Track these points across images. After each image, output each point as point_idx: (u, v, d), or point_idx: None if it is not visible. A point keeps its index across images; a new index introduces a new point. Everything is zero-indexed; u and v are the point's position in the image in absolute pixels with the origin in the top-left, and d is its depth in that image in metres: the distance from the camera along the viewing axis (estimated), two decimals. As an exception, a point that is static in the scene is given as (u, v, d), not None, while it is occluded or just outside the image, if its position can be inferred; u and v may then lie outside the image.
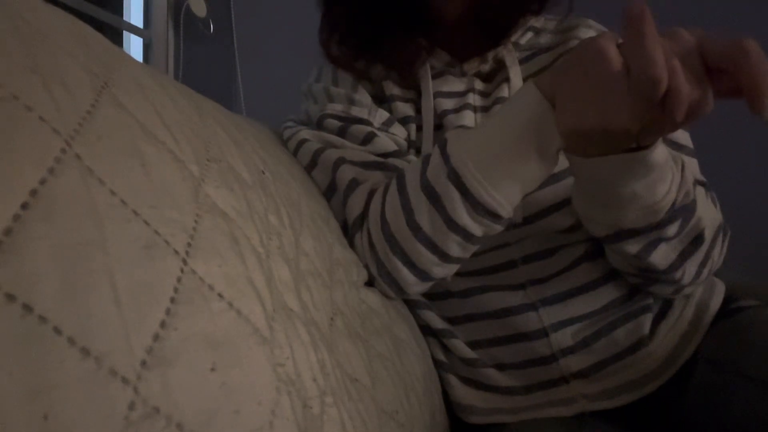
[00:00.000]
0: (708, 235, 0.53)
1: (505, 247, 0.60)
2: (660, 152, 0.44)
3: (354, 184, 0.58)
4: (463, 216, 0.49)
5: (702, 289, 0.62)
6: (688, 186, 0.49)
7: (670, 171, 0.46)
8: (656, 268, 0.52)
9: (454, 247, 0.51)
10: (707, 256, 0.54)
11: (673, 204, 0.48)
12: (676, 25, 0.39)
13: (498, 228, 0.51)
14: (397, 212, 0.52)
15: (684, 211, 0.49)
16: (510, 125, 0.46)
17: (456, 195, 0.48)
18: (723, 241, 0.56)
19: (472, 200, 0.48)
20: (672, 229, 0.49)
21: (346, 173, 0.58)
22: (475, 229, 0.50)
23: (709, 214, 0.53)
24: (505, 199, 0.48)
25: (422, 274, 0.53)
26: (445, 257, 0.52)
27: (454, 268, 0.55)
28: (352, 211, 0.57)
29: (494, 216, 0.49)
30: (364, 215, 0.56)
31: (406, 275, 0.53)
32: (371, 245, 0.54)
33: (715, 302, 0.60)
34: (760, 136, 1.46)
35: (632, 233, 0.49)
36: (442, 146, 0.51)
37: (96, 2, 1.49)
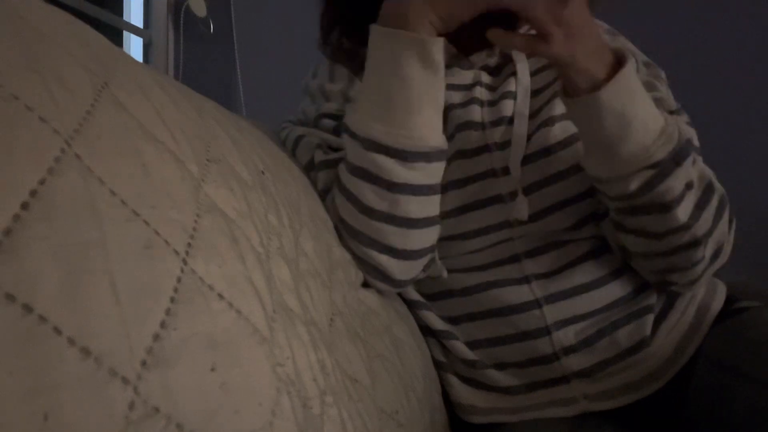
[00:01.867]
0: (716, 190, 0.53)
1: (508, 242, 0.60)
2: (624, 83, 0.48)
3: (326, 191, 0.58)
4: (400, 172, 0.50)
5: (703, 290, 0.62)
6: (680, 124, 0.52)
7: (650, 98, 0.50)
8: (680, 220, 0.51)
9: (412, 206, 0.52)
10: (716, 221, 0.54)
11: (679, 132, 0.50)
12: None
13: (437, 164, 0.52)
14: (346, 207, 0.53)
15: (690, 146, 0.51)
16: (378, 69, 0.51)
17: (380, 159, 0.50)
18: (729, 226, 0.56)
19: (395, 154, 0.49)
20: (688, 165, 0.50)
21: (326, 177, 0.58)
22: (417, 177, 0.50)
23: (704, 169, 0.54)
24: (426, 132, 0.50)
25: (400, 253, 0.53)
26: (410, 223, 0.52)
27: (429, 233, 0.55)
28: (331, 217, 0.57)
29: (425, 155, 0.50)
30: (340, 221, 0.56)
31: (386, 262, 0.53)
32: (350, 249, 0.54)
33: (717, 303, 0.60)
34: (760, 136, 1.46)
35: (662, 168, 0.49)
36: (346, 127, 0.53)
37: (96, 2, 1.49)
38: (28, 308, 0.18)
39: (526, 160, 0.58)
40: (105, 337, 0.20)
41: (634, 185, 0.50)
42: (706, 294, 0.61)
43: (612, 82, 0.47)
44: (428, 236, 0.55)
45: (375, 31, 0.51)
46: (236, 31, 1.89)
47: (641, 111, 0.49)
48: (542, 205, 0.58)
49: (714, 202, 0.53)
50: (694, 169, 0.52)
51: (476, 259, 0.61)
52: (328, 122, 0.62)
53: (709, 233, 0.53)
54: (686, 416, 0.56)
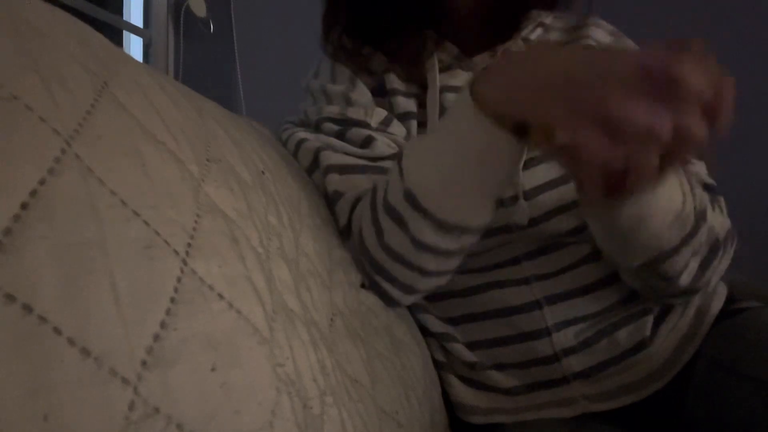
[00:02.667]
0: (721, 240, 0.53)
1: (508, 245, 0.60)
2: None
3: (338, 194, 0.57)
4: (429, 235, 0.46)
5: (703, 292, 0.61)
6: (700, 194, 0.50)
7: (677, 179, 0.46)
8: (681, 288, 0.52)
9: (430, 263, 0.49)
10: (722, 264, 0.54)
11: (695, 208, 0.47)
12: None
13: (473, 237, 0.48)
14: (370, 231, 0.51)
15: (703, 219, 0.49)
16: (462, 150, 0.43)
17: (415, 216, 0.46)
18: (731, 247, 0.57)
19: (432, 219, 0.45)
20: (701, 237, 0.49)
21: (333, 180, 0.57)
22: (447, 244, 0.47)
23: (717, 220, 0.53)
24: (473, 214, 0.46)
25: (407, 289, 0.53)
26: (424, 273, 0.50)
27: (440, 279, 0.53)
28: (339, 220, 0.56)
29: (462, 229, 0.46)
30: (349, 226, 0.55)
31: (390, 291, 0.53)
32: (357, 259, 0.54)
33: (717, 304, 0.60)
34: (760, 136, 1.46)
35: (671, 252, 0.48)
36: (399, 161, 0.48)
37: (96, 2, 1.49)
38: (28, 308, 0.18)
39: (527, 164, 0.58)
40: (105, 338, 0.20)
41: (637, 262, 0.51)
42: (706, 295, 0.61)
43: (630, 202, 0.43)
44: (438, 282, 0.54)
45: (469, 101, 0.41)
46: (236, 31, 1.89)
47: (659, 204, 0.45)
48: (542, 210, 0.58)
49: (720, 255, 0.53)
50: (704, 232, 0.50)
51: (476, 261, 0.61)
52: (330, 126, 0.62)
53: (706, 279, 0.54)
54: (686, 416, 0.56)
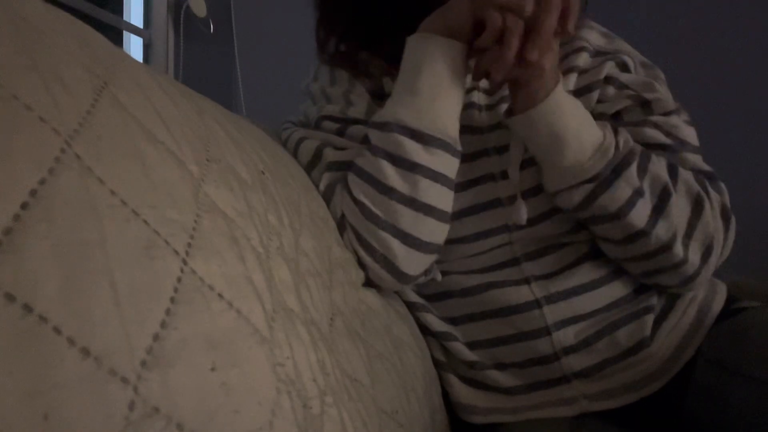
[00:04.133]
0: (678, 192, 0.55)
1: (507, 246, 0.60)
2: (555, 103, 0.53)
3: (331, 189, 0.58)
4: (422, 154, 0.53)
5: (704, 291, 0.62)
6: (626, 136, 0.55)
7: (588, 116, 0.55)
8: (636, 226, 0.54)
9: (431, 192, 0.53)
10: (692, 222, 0.55)
11: (617, 145, 0.54)
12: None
13: (454, 159, 0.55)
14: (365, 189, 0.54)
15: (633, 155, 0.54)
16: (411, 66, 0.54)
17: (404, 140, 0.53)
18: (726, 225, 0.56)
19: (419, 137, 0.53)
20: (631, 174, 0.53)
21: (331, 176, 0.58)
22: (436, 163, 0.53)
23: (681, 179, 0.55)
24: (444, 120, 0.53)
25: (411, 240, 0.54)
26: (427, 209, 0.53)
27: (440, 228, 0.55)
28: (335, 214, 0.57)
29: (444, 144, 0.53)
30: (343, 215, 0.56)
31: (396, 248, 0.54)
32: (358, 236, 0.54)
33: (717, 303, 0.60)
34: (760, 136, 1.46)
35: (600, 181, 0.53)
36: (373, 123, 0.56)
37: (96, 2, 1.49)
38: (28, 308, 0.18)
39: (525, 164, 0.58)
40: (105, 337, 0.20)
41: (576, 198, 0.54)
42: (706, 294, 0.61)
43: (543, 103, 0.52)
44: (440, 229, 0.56)
45: (412, 38, 0.56)
46: (236, 31, 1.89)
47: (574, 128, 0.53)
48: (541, 209, 0.58)
49: (676, 205, 0.54)
50: (646, 176, 0.54)
51: (475, 262, 0.61)
52: (331, 124, 0.62)
53: (686, 235, 0.55)
54: (686, 416, 0.56)
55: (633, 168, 0.54)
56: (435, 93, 0.53)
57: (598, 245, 0.60)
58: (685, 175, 0.56)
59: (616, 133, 0.56)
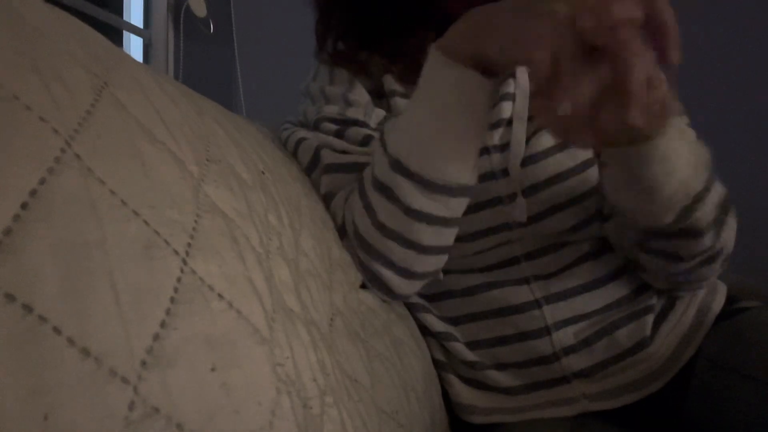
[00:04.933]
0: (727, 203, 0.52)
1: (507, 245, 0.60)
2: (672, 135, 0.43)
3: (333, 193, 0.57)
4: (419, 200, 0.48)
5: (704, 291, 0.62)
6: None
7: (684, 123, 0.48)
8: (706, 245, 0.50)
9: (424, 235, 0.50)
10: (731, 232, 0.53)
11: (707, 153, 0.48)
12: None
13: (460, 200, 0.49)
14: (362, 216, 0.52)
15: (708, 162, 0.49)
16: (427, 96, 0.47)
17: (403, 182, 0.47)
18: (731, 223, 0.56)
19: (419, 181, 0.47)
20: (715, 186, 0.48)
21: (330, 180, 0.58)
22: (437, 209, 0.48)
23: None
24: (456, 168, 0.47)
25: (404, 272, 0.52)
26: (420, 249, 0.51)
27: (437, 260, 0.54)
28: (335, 219, 0.56)
29: (449, 189, 0.47)
30: (343, 222, 0.56)
31: (389, 277, 0.53)
32: (354, 253, 0.54)
33: (717, 304, 0.60)
34: (760, 136, 1.46)
35: (697, 198, 0.47)
36: (381, 137, 0.50)
37: (96, 2, 1.49)
38: (28, 308, 0.18)
39: (525, 162, 0.58)
40: (105, 337, 0.20)
41: (669, 218, 0.47)
42: (706, 294, 0.61)
43: (666, 128, 0.41)
44: (436, 262, 0.54)
45: (433, 56, 0.46)
46: (236, 31, 1.89)
47: (682, 148, 0.44)
48: (541, 207, 0.58)
49: (732, 215, 0.52)
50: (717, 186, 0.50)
51: (476, 261, 0.61)
52: (329, 126, 0.62)
53: (725, 248, 0.54)
54: (686, 416, 0.56)
55: (715, 180, 0.48)
56: (444, 142, 0.46)
57: (600, 245, 0.60)
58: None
59: None
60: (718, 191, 0.50)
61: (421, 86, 0.48)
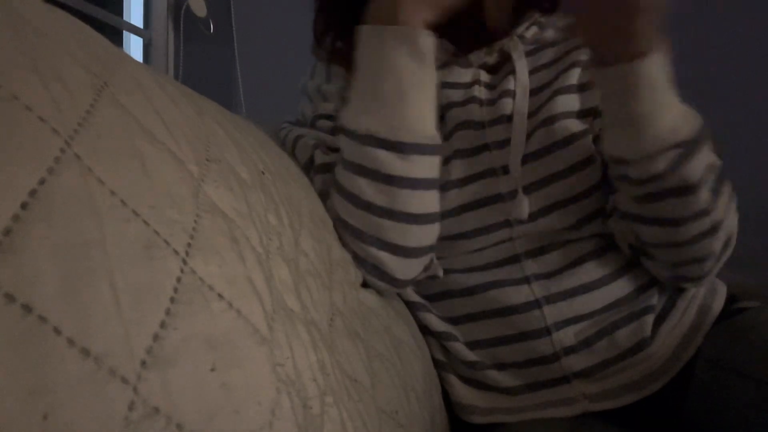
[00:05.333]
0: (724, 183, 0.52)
1: (508, 242, 0.60)
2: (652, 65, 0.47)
3: (324, 194, 0.57)
4: (396, 164, 0.50)
5: (704, 291, 0.62)
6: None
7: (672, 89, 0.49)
8: (704, 202, 0.50)
9: (410, 201, 0.51)
10: (728, 209, 0.53)
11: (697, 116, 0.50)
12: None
13: (432, 158, 0.52)
14: (344, 205, 0.53)
15: (704, 133, 0.50)
16: (367, 64, 0.51)
17: (376, 152, 0.50)
18: (731, 203, 0.55)
19: (390, 146, 0.49)
20: (710, 144, 0.50)
21: (324, 179, 0.58)
22: (413, 170, 0.51)
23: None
24: (415, 122, 0.50)
25: (400, 250, 0.53)
26: (410, 218, 0.52)
27: (429, 230, 0.54)
28: (331, 218, 0.57)
29: (419, 147, 0.50)
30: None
31: (386, 259, 0.53)
32: (348, 250, 0.54)
33: (717, 304, 0.60)
34: (760, 136, 1.46)
35: (690, 147, 0.49)
36: (341, 128, 0.53)
37: (96, 2, 1.49)
38: (27, 308, 0.18)
39: (526, 159, 0.58)
40: (105, 337, 0.20)
41: (661, 165, 0.49)
42: (706, 294, 0.61)
43: (654, 53, 0.46)
44: (428, 233, 0.55)
45: (363, 29, 0.52)
46: (236, 31, 1.89)
47: (671, 88, 0.48)
48: (542, 204, 0.58)
49: (726, 189, 0.53)
50: (711, 154, 0.51)
51: (476, 259, 0.61)
52: (326, 123, 0.62)
53: (723, 220, 0.53)
54: (686, 416, 0.56)
55: (708, 146, 0.50)
56: (401, 96, 0.50)
57: (601, 245, 0.60)
58: None
59: None
60: (712, 157, 0.51)
61: (362, 58, 0.52)
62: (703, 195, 0.50)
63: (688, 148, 0.49)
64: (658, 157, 0.49)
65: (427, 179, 0.52)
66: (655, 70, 0.47)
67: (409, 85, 0.50)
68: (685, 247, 0.54)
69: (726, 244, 0.55)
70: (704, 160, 0.49)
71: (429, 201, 0.53)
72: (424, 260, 0.57)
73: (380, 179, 0.51)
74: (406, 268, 0.55)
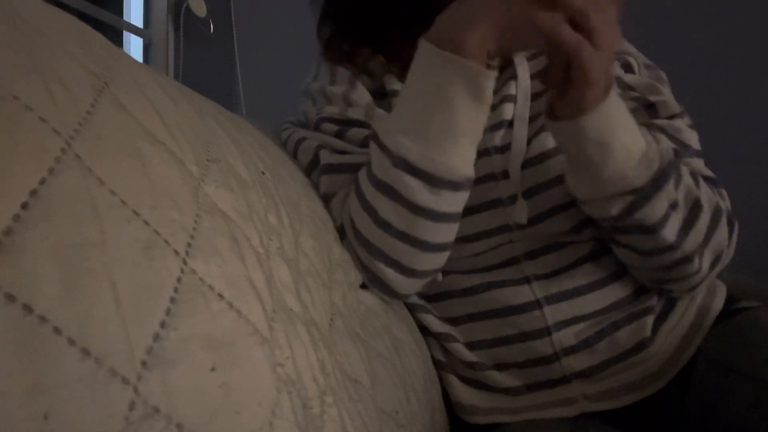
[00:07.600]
0: (705, 205, 0.53)
1: (508, 245, 0.60)
2: (607, 110, 0.47)
3: (331, 194, 0.57)
4: (424, 196, 0.48)
5: (704, 291, 0.62)
6: (666, 144, 0.53)
7: (633, 122, 0.50)
8: (668, 240, 0.51)
9: (429, 231, 0.50)
10: (709, 233, 0.53)
11: (661, 156, 0.50)
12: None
13: (463, 194, 0.50)
14: (362, 216, 0.52)
15: (673, 167, 0.51)
16: (424, 89, 0.48)
17: (409, 179, 0.48)
18: (730, 231, 0.56)
19: (424, 177, 0.48)
20: (671, 187, 0.50)
21: (329, 180, 0.58)
22: (441, 204, 0.49)
23: (702, 190, 0.54)
24: (460, 161, 0.48)
25: (407, 271, 0.53)
26: (425, 246, 0.51)
27: (440, 257, 0.54)
28: (335, 220, 0.56)
29: (454, 184, 0.49)
30: (343, 225, 0.56)
31: (391, 276, 0.53)
32: (354, 253, 0.54)
33: (717, 304, 0.60)
34: (760, 136, 1.46)
35: (642, 194, 0.49)
36: (375, 137, 0.51)
37: (96, 2, 1.49)
38: (28, 308, 0.18)
39: (526, 163, 0.58)
40: (105, 337, 0.20)
41: (614, 210, 0.51)
42: (706, 295, 0.61)
43: (594, 111, 0.46)
44: (438, 260, 0.54)
45: (426, 47, 0.48)
46: (236, 31, 1.89)
47: (622, 138, 0.48)
48: (542, 209, 0.58)
49: (704, 217, 0.53)
50: (680, 188, 0.52)
51: (476, 261, 0.61)
52: (330, 126, 0.62)
53: (703, 245, 0.54)
54: (686, 416, 0.56)
55: (671, 180, 0.50)
56: (451, 134, 0.47)
57: (601, 246, 0.60)
58: (704, 186, 0.55)
59: (656, 141, 0.52)
60: (685, 192, 0.52)
61: (414, 81, 0.49)
62: (666, 234, 0.51)
63: (640, 194, 0.49)
64: (611, 202, 0.50)
65: (452, 213, 0.51)
66: (605, 121, 0.47)
67: (460, 127, 0.47)
68: (658, 272, 0.56)
69: (714, 262, 0.55)
70: (664, 201, 0.50)
71: (448, 232, 0.52)
72: (426, 281, 0.57)
73: (405, 205, 0.49)
74: (409, 285, 0.55)
